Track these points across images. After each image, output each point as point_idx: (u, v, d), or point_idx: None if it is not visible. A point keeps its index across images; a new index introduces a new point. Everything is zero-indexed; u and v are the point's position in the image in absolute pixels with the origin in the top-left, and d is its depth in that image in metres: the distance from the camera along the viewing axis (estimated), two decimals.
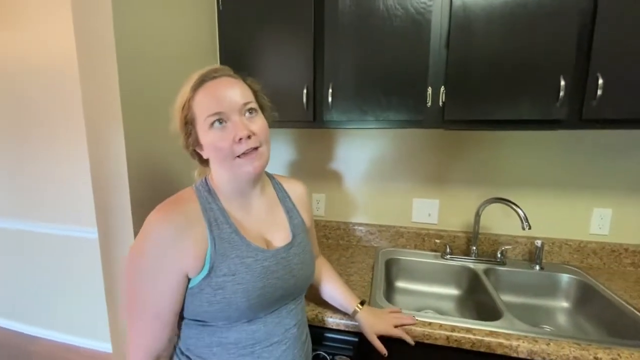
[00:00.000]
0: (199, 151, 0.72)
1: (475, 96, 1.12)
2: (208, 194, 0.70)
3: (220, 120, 0.65)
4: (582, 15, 1.02)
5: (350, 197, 1.66)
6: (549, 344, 0.87)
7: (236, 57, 1.36)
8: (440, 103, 1.16)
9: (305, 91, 1.26)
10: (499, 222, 1.48)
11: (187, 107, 0.67)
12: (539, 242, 1.35)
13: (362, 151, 1.61)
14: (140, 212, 1.01)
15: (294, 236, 0.77)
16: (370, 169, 1.61)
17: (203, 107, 0.65)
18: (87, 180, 1.60)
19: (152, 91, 1.06)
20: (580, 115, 1.06)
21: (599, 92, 1.01)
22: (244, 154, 0.65)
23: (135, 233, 1.01)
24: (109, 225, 1.03)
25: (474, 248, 1.42)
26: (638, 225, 1.37)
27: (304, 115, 1.29)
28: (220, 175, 0.71)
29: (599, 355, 0.84)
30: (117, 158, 0.97)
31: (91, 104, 0.97)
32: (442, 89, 1.15)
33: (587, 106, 1.04)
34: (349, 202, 1.67)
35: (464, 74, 1.12)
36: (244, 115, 0.67)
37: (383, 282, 1.23)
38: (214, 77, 0.67)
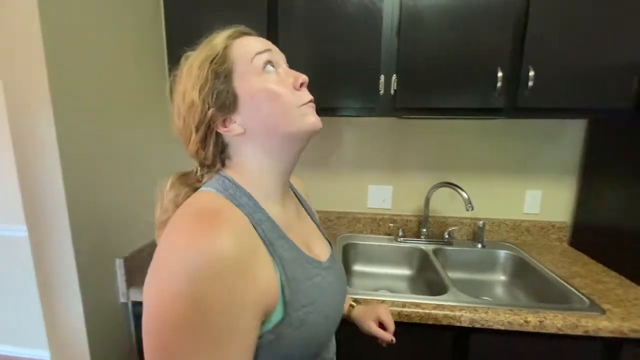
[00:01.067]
0: (223, 130, 0.51)
1: (424, 85, 1.17)
2: (246, 198, 0.50)
3: (271, 63, 0.52)
4: (516, 13, 1.11)
5: (309, 185, 1.66)
6: (487, 312, 0.96)
7: (183, 45, 1.28)
8: (392, 91, 1.20)
9: None
10: (447, 205, 1.58)
11: (221, 57, 0.50)
12: (480, 223, 1.47)
13: (318, 139, 1.61)
14: (76, 210, 0.93)
15: (329, 242, 0.67)
16: (328, 157, 1.63)
17: (249, 48, 0.51)
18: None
19: (85, 76, 0.96)
20: (515, 104, 1.16)
21: (530, 83, 1.11)
22: (305, 104, 0.52)
23: (74, 230, 0.93)
24: (40, 223, 0.94)
25: (424, 230, 1.51)
26: (563, 204, 1.54)
27: None
28: (259, 162, 0.53)
29: (528, 319, 0.94)
30: (45, 147, 0.87)
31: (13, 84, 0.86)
32: (394, 77, 1.19)
33: (520, 96, 1.14)
34: (308, 190, 1.67)
35: (414, 64, 1.16)
36: None
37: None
38: (251, 34, 0.56)
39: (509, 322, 0.94)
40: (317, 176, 1.66)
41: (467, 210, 1.30)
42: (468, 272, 1.45)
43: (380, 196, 1.63)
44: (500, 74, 1.12)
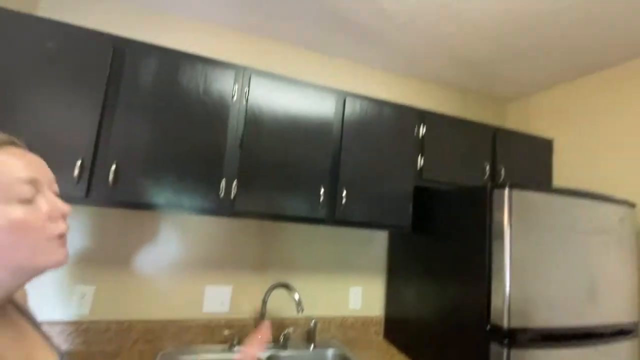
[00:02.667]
0: None
1: (261, 192, 1.29)
2: None
3: (33, 191, 0.46)
4: (334, 145, 1.43)
5: (129, 289, 1.42)
6: None
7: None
8: (232, 194, 1.26)
9: (79, 162, 1.09)
10: (284, 305, 1.62)
11: None
12: (312, 322, 1.55)
13: (148, 235, 1.46)
14: None
15: (58, 351, 0.59)
16: (158, 256, 1.47)
17: (11, 170, 0.44)
18: None
19: None
20: (334, 216, 1.40)
21: (343, 200, 1.39)
22: (59, 236, 0.48)
23: None
24: None
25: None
26: (378, 299, 1.82)
27: (74, 189, 1.08)
28: None
29: None
30: None
31: None
32: (235, 181, 1.27)
33: (337, 210, 1.40)
34: (126, 295, 1.41)
35: (252, 172, 1.29)
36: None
37: None
38: (18, 145, 0.49)
39: None
40: (141, 278, 1.44)
41: (298, 312, 1.36)
42: None
43: (218, 298, 1.53)
44: (322, 190, 1.37)
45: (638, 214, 1.53)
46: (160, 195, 1.17)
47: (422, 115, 1.61)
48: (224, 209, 1.25)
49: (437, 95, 2.14)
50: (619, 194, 1.62)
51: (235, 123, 1.29)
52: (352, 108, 1.47)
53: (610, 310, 1.30)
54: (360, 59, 1.91)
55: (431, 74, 2.01)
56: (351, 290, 1.77)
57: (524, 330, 1.11)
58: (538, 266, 1.17)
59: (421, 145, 1.59)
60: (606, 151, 1.72)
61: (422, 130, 1.60)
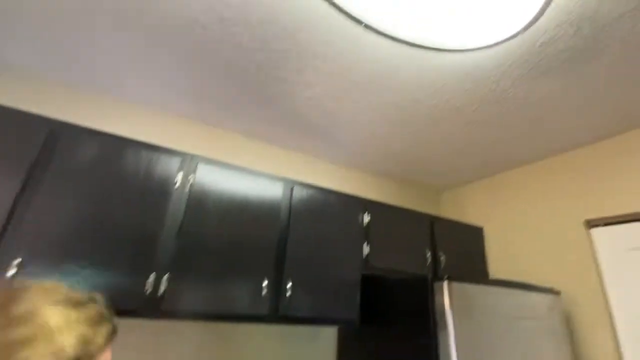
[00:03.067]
0: None
1: (198, 286, 1.17)
2: None
3: None
4: (280, 233, 1.41)
5: None
6: None
7: None
8: (161, 291, 1.12)
9: None
10: None
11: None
12: None
13: None
14: None
15: None
16: None
17: None
18: None
19: None
20: (278, 311, 1.30)
21: (288, 293, 1.31)
22: None
23: None
24: None
25: None
26: None
27: None
28: None
29: None
30: None
31: None
32: (167, 275, 1.14)
33: (281, 304, 1.30)
34: None
35: (188, 265, 1.18)
36: None
37: None
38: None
39: None
40: None
41: None
42: None
43: None
44: (265, 283, 1.28)
45: (564, 301, 1.64)
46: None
47: (366, 204, 1.69)
48: (149, 309, 1.09)
49: (378, 185, 2.30)
50: (546, 281, 1.75)
51: (175, 210, 1.23)
52: (300, 197, 1.50)
53: None
54: (309, 151, 2.04)
55: (372, 166, 2.19)
56: None
57: None
58: (481, 354, 1.15)
59: (366, 233, 1.63)
60: (531, 240, 1.91)
61: (367, 218, 1.66)
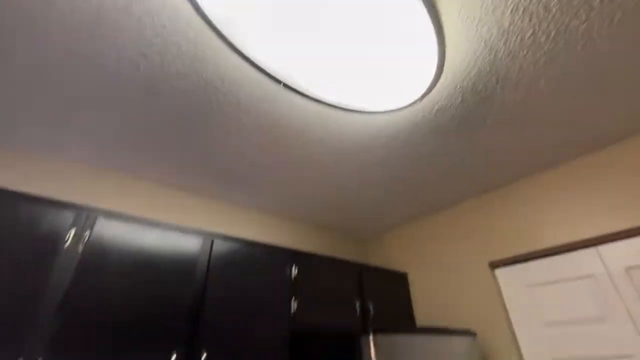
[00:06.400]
0: None
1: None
2: None
3: None
4: (194, 297, 1.26)
5: None
6: None
7: None
8: None
9: None
10: None
11: None
12: None
13: None
14: None
15: None
16: None
17: None
18: None
19: None
20: None
21: None
22: None
23: None
24: None
25: None
26: None
27: None
28: None
29: None
30: None
31: None
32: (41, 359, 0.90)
33: None
34: None
35: (77, 337, 0.96)
36: None
37: None
38: None
39: None
40: None
41: None
42: None
43: None
44: (174, 357, 1.10)
45: (480, 342, 1.74)
46: None
47: (294, 256, 1.65)
48: None
49: (306, 233, 2.29)
50: (464, 323, 1.85)
51: (62, 273, 1.02)
52: (220, 251, 1.40)
53: None
54: (232, 200, 1.96)
55: (299, 213, 2.19)
56: None
57: None
58: None
59: (294, 288, 1.56)
60: (448, 282, 2.04)
61: (294, 271, 1.61)
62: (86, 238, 1.10)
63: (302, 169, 1.67)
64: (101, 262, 1.09)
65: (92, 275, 1.06)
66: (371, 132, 1.41)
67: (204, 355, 1.16)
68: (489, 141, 1.52)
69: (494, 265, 1.89)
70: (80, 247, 1.08)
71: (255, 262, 1.48)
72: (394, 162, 1.64)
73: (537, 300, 1.66)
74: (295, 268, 1.61)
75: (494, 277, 1.87)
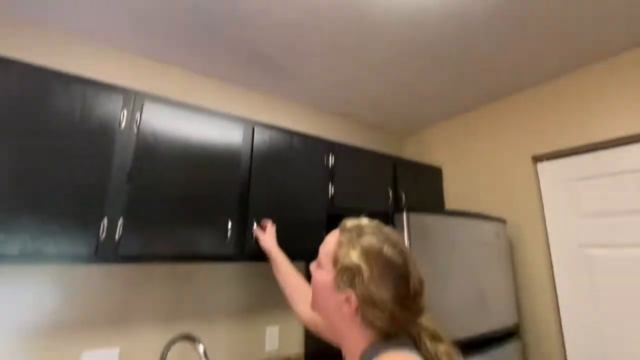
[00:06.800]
0: None
1: (155, 230, 1.13)
2: None
3: None
4: (242, 175, 1.37)
5: None
6: None
7: None
8: (117, 236, 1.07)
9: None
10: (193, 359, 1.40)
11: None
12: None
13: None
14: None
15: None
16: (11, 319, 1.14)
17: None
18: None
19: None
20: (244, 250, 1.31)
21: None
22: None
23: None
24: None
25: None
26: (297, 335, 1.73)
27: None
28: None
29: None
30: None
31: None
32: (121, 221, 1.08)
33: (247, 244, 1.31)
34: None
35: (144, 209, 1.13)
36: None
37: None
38: None
39: None
40: None
41: None
42: None
43: None
44: (230, 224, 1.27)
45: (509, 229, 1.82)
46: (13, 244, 0.92)
47: (331, 146, 1.68)
48: (105, 254, 1.05)
49: (343, 128, 2.28)
50: (495, 212, 1.91)
51: (123, 153, 1.13)
52: (262, 137, 1.45)
53: (498, 316, 1.47)
54: (271, 92, 1.93)
55: (338, 108, 2.14)
56: (267, 330, 1.64)
57: None
58: (436, 280, 1.27)
59: (331, 175, 1.64)
60: (484, 176, 2.03)
61: (332, 159, 1.66)
62: (138, 121, 1.17)
63: (344, 61, 1.55)
64: (154, 144, 1.18)
65: (149, 154, 1.17)
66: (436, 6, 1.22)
67: (255, 225, 1.32)
68: (547, 23, 1.27)
69: (537, 159, 1.82)
70: (135, 129, 1.16)
71: (295, 149, 1.53)
72: (436, 51, 1.46)
73: (577, 194, 1.63)
74: (332, 157, 1.66)
75: (535, 171, 1.82)
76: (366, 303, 0.57)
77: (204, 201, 1.25)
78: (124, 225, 1.08)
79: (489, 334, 1.40)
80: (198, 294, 1.47)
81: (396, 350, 0.56)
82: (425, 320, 0.63)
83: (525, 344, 1.67)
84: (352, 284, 0.58)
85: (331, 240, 0.66)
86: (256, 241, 1.31)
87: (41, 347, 1.16)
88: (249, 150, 1.41)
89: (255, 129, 1.44)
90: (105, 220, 1.06)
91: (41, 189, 0.98)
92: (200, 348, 1.21)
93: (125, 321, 1.31)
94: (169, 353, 1.28)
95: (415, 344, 0.59)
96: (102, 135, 1.10)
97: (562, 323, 1.59)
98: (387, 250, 0.59)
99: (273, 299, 1.69)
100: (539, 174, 1.81)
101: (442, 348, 0.59)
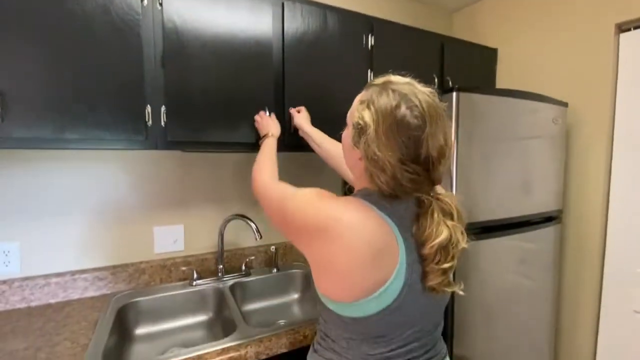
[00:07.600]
0: None
1: (196, 118, 1.14)
2: None
3: None
4: (276, 68, 1.27)
5: (65, 238, 1.28)
6: (271, 339, 0.98)
7: None
8: (162, 123, 1.10)
9: None
10: (243, 236, 1.60)
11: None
12: (273, 248, 1.56)
13: (74, 178, 1.28)
14: None
15: None
16: (92, 200, 1.31)
17: None
18: None
19: None
20: (284, 140, 1.31)
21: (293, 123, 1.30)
22: None
23: None
24: None
25: (221, 267, 1.45)
26: None
27: None
28: None
29: (306, 333, 1.02)
30: None
31: None
32: (163, 108, 1.10)
33: (287, 132, 1.30)
34: (64, 245, 1.28)
35: (183, 96, 1.12)
36: None
37: (107, 337, 0.99)
38: None
39: (290, 343, 0.99)
40: (79, 225, 1.30)
41: (256, 239, 1.34)
42: (266, 299, 1.49)
43: (169, 238, 1.45)
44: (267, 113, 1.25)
45: (569, 113, 1.63)
46: (68, 131, 0.98)
47: (371, 23, 1.47)
48: (155, 140, 1.10)
49: (383, 4, 1.97)
50: (556, 95, 1.71)
51: (152, 35, 1.07)
52: (293, 15, 1.29)
53: (541, 201, 1.45)
54: None
55: None
56: None
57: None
58: (481, 165, 1.23)
59: (370, 58, 1.49)
60: (549, 54, 1.75)
61: (371, 40, 1.48)
62: (161, 4, 1.07)
63: None
64: (180, 27, 1.09)
65: (178, 36, 1.09)
66: None
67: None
68: None
69: (622, 27, 1.51)
70: (158, 6, 1.07)
71: (329, 28, 1.36)
72: None
73: None
74: (371, 37, 1.48)
75: (616, 43, 1.53)
76: (370, 162, 0.58)
77: (238, 89, 1.21)
78: (167, 113, 1.10)
79: (530, 217, 1.40)
80: (245, 181, 1.57)
81: (362, 200, 0.61)
82: (445, 195, 0.63)
83: (565, 225, 1.67)
84: (359, 142, 0.60)
85: (356, 98, 0.68)
86: (289, 122, 1.30)
87: (120, 222, 1.36)
88: (281, 31, 1.27)
89: (285, 4, 1.27)
90: (149, 108, 1.08)
91: (83, 83, 0.98)
92: (253, 225, 1.36)
93: (185, 202, 1.47)
94: (225, 229, 1.45)
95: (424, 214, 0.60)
96: (126, 15, 1.02)
97: (609, 210, 1.55)
98: (402, 110, 0.56)
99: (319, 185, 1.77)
100: (620, 47, 1.52)
101: (449, 223, 0.59)
